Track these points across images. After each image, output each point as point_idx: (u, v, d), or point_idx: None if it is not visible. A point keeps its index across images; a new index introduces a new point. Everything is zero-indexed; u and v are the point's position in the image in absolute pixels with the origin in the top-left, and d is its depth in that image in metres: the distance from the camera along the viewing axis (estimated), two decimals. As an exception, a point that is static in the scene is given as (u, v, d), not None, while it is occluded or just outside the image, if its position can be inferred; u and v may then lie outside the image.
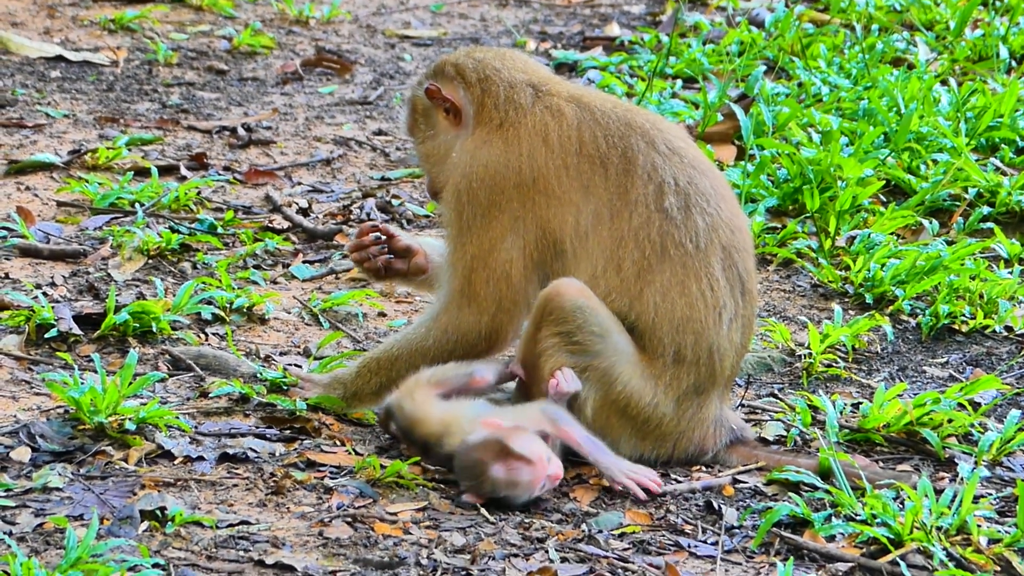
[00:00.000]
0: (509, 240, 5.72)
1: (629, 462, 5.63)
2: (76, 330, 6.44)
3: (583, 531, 5.35)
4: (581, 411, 5.67)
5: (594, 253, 5.70)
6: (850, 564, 5.22)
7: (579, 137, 5.77)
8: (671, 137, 5.82)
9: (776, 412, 6.29)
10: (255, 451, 5.66)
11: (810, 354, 6.76)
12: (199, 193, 8.01)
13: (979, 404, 6.37)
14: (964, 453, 6.04)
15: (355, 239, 6.22)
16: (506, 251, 5.73)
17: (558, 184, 5.72)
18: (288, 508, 5.33)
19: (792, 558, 5.18)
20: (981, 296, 7.30)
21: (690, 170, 5.77)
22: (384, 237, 6.19)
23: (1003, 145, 8.75)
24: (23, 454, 5.51)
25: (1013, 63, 10.26)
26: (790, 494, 5.60)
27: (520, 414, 5.59)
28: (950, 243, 7.81)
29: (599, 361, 5.67)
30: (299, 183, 8.42)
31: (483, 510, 5.41)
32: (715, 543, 5.36)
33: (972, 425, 6.19)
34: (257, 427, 5.85)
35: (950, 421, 6.14)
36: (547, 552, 5.18)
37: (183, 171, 8.37)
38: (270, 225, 7.77)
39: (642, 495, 5.54)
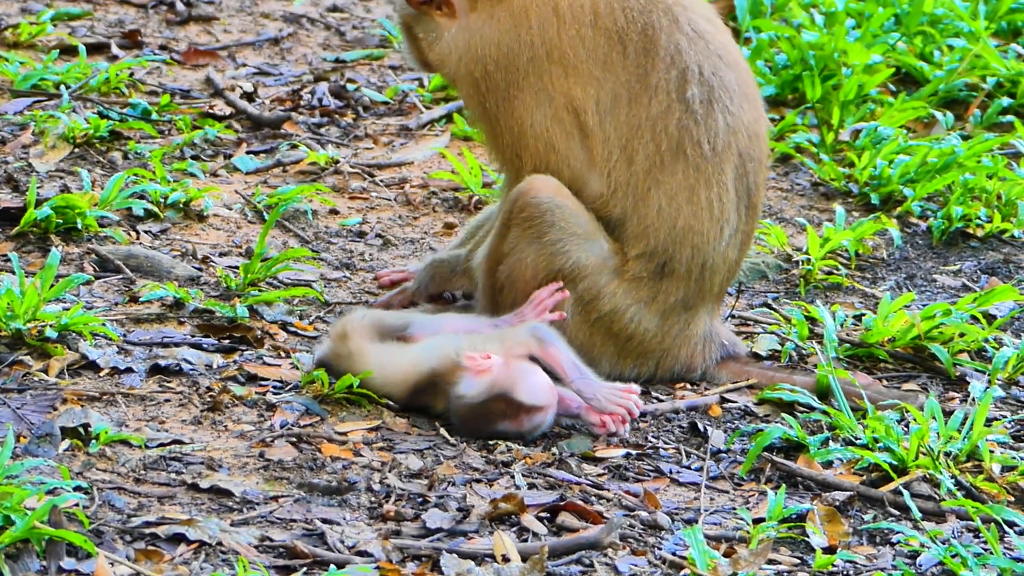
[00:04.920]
0: (538, 115, 5.70)
1: (611, 387, 5.52)
2: (-8, 226, 6.40)
3: (553, 455, 5.33)
4: (556, 327, 5.60)
5: (610, 138, 5.67)
6: (848, 493, 5.21)
7: (593, 7, 5.71)
8: (696, 17, 5.77)
9: (770, 324, 6.29)
10: (190, 362, 5.63)
11: (808, 260, 6.75)
12: (132, 75, 7.92)
13: (994, 317, 6.38)
14: (977, 371, 6.05)
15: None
16: (539, 125, 5.70)
17: (574, 54, 5.68)
18: (226, 426, 5.32)
19: (784, 486, 5.17)
20: (999, 197, 7.29)
21: (716, 59, 5.72)
22: None
23: (1026, 30, 8.77)
24: (-70, 364, 5.49)
25: (1039, -62, 10.19)
26: (783, 415, 5.60)
27: (503, 338, 5.51)
28: (965, 138, 7.79)
29: (579, 270, 5.63)
30: (244, 64, 8.35)
31: (443, 430, 5.40)
32: (699, 469, 5.35)
33: (986, 340, 6.19)
34: (192, 336, 5.82)
35: (962, 335, 6.14)
36: (513, 477, 5.16)
37: (114, 50, 8.28)
38: (211, 111, 7.70)
39: (620, 430, 5.47)
